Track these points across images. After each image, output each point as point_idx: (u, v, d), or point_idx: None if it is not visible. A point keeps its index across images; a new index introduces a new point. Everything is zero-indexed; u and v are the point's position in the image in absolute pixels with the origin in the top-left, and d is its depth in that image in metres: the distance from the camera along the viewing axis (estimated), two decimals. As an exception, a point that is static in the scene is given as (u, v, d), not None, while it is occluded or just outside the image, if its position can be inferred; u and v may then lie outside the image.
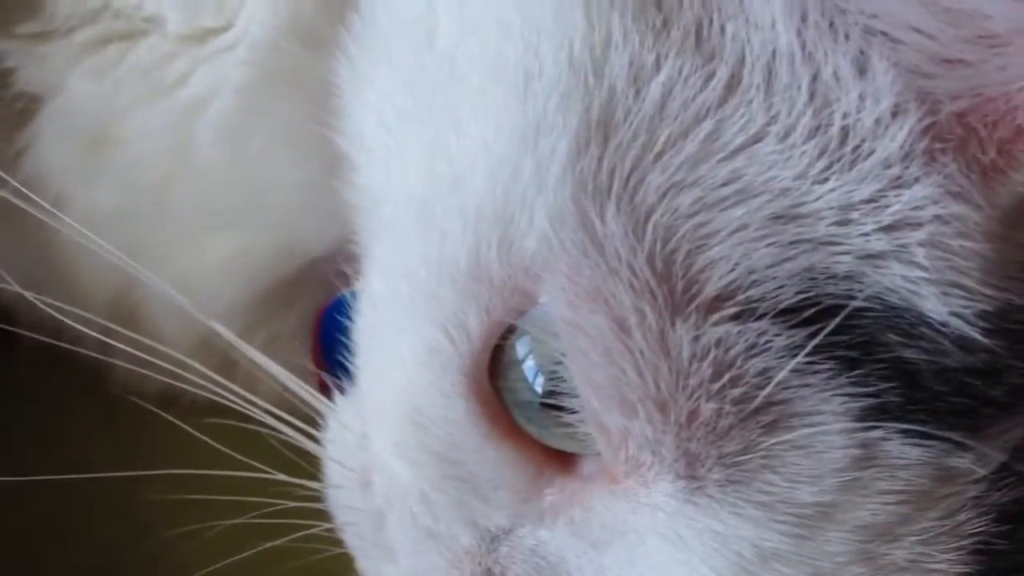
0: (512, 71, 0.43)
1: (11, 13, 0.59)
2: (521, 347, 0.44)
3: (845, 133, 0.41)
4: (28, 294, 0.58)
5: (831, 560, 0.42)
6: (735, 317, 0.41)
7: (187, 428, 0.62)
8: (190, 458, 0.63)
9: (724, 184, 0.41)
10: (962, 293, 0.40)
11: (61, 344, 0.62)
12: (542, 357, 0.43)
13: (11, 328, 0.64)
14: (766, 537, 0.41)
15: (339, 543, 0.54)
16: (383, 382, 0.47)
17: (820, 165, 0.41)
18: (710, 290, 0.41)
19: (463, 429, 0.45)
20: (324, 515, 0.54)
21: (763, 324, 0.41)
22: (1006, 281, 0.41)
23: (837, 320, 0.40)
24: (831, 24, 0.41)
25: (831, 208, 0.41)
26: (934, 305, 0.40)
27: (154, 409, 0.60)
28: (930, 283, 0.40)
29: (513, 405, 0.44)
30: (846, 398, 0.41)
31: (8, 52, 0.59)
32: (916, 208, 0.41)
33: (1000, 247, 0.41)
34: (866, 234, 0.41)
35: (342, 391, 0.52)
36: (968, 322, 0.40)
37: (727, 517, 0.41)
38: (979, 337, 0.40)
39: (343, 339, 0.52)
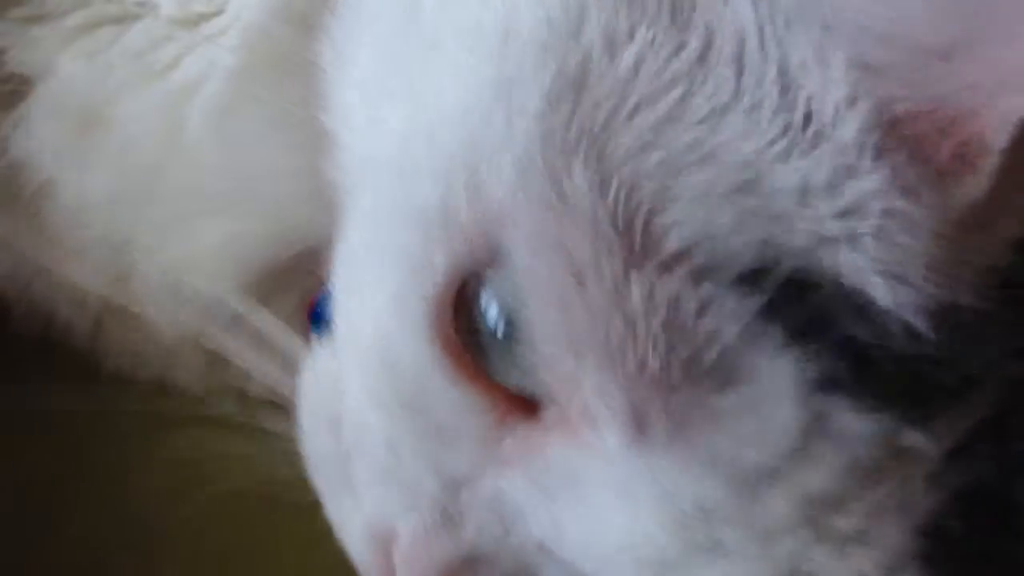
0: (490, 33, 0.44)
1: (2, -4, 0.59)
2: (485, 294, 0.45)
3: (808, 116, 0.42)
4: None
5: (774, 522, 0.42)
6: (690, 277, 0.42)
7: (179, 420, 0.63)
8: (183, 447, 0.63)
9: (689, 149, 0.42)
10: (908, 286, 0.41)
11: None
12: (504, 304, 0.44)
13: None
14: (708, 494, 0.42)
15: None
16: (357, 327, 0.48)
17: (783, 144, 0.41)
18: (668, 249, 0.42)
19: (429, 373, 0.45)
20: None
21: (717, 286, 0.41)
22: (955, 281, 0.41)
23: (777, 283, 0.41)
24: (800, 8, 0.42)
25: (790, 187, 0.41)
26: (881, 293, 0.41)
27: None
28: (878, 272, 0.41)
29: (477, 351, 0.45)
30: (798, 367, 0.41)
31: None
32: (866, 199, 0.41)
33: (950, 247, 0.41)
34: (821, 217, 0.41)
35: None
36: (914, 314, 0.41)
37: (671, 471, 0.42)
38: (925, 330, 0.41)
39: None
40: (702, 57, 0.42)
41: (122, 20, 0.58)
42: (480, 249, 0.44)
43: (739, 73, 0.42)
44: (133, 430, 0.62)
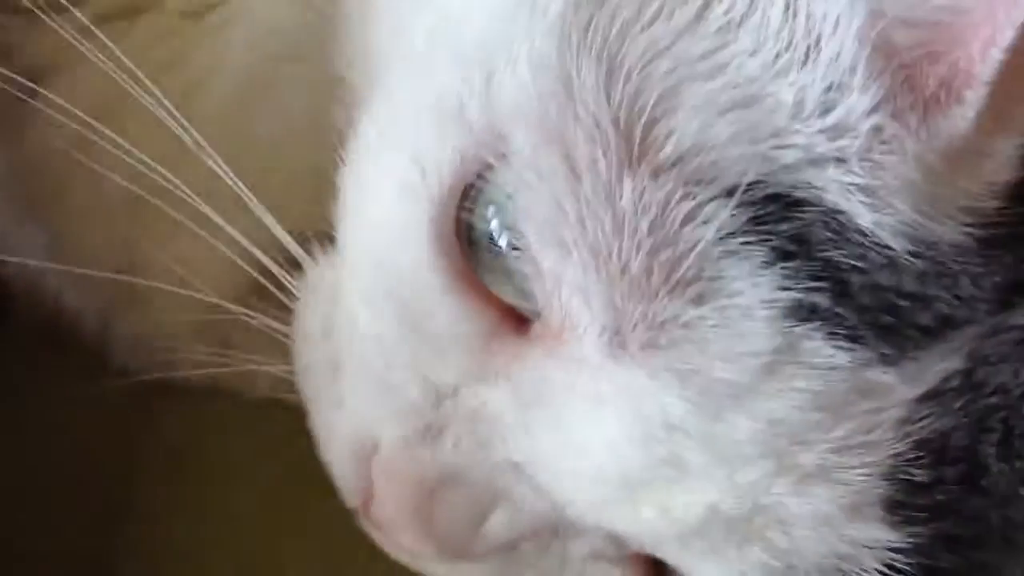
0: None
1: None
2: (488, 197, 0.45)
3: (808, 31, 0.43)
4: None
5: (736, 448, 0.43)
6: (682, 184, 0.43)
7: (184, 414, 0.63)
8: (188, 442, 0.63)
9: (699, 60, 0.43)
10: (890, 208, 0.42)
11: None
12: (502, 205, 0.45)
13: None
14: (674, 405, 0.43)
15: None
16: (360, 224, 0.49)
17: (785, 58, 0.43)
18: (664, 153, 0.43)
19: (426, 276, 0.46)
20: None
21: (706, 196, 0.42)
22: (939, 217, 0.42)
23: (764, 198, 0.42)
24: None
25: (786, 102, 0.42)
26: (863, 212, 0.42)
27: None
28: (861, 191, 0.42)
29: (476, 262, 0.46)
30: (776, 289, 0.42)
31: (8, 28, 0.59)
32: (856, 118, 0.42)
33: (936, 182, 0.42)
34: (812, 133, 0.42)
35: None
36: (893, 236, 0.42)
37: (642, 378, 0.43)
38: (903, 256, 0.42)
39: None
40: None
41: (130, 13, 0.59)
42: (487, 146, 0.45)
43: None
44: (140, 424, 0.62)
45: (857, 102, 0.42)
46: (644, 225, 0.42)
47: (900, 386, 0.43)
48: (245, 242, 0.60)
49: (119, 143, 0.59)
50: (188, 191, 0.58)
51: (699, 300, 0.42)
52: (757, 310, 0.42)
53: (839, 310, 0.42)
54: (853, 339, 0.42)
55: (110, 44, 0.56)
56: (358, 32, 0.53)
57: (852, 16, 0.42)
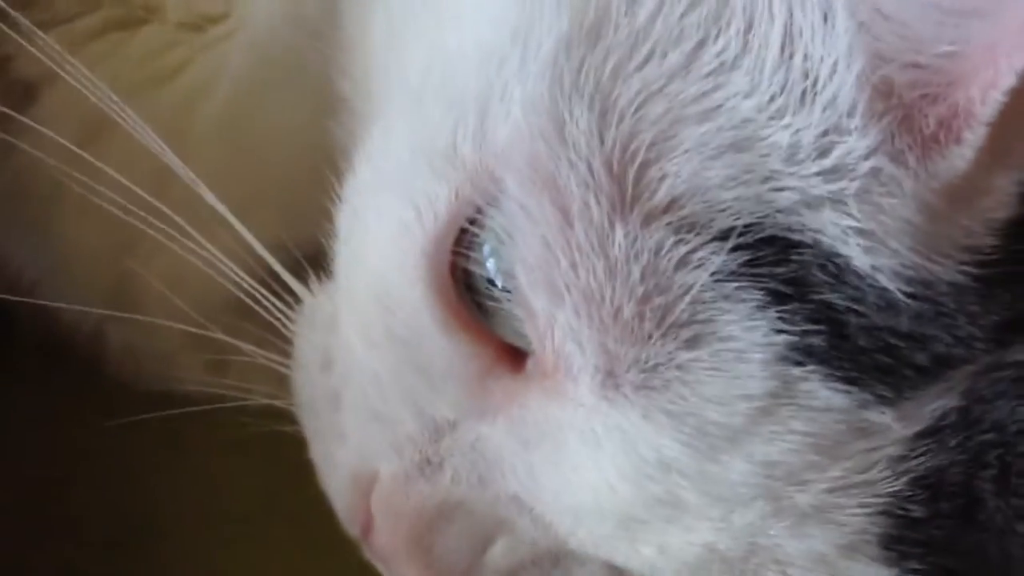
0: None
1: (11, 1, 0.59)
2: (483, 240, 0.45)
3: (805, 73, 0.42)
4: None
5: (732, 489, 0.43)
6: (675, 229, 0.42)
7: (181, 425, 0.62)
8: (184, 454, 0.63)
9: (693, 101, 0.43)
10: (887, 250, 0.42)
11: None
12: (497, 248, 0.45)
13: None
14: (669, 447, 0.43)
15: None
16: (357, 262, 0.49)
17: (780, 101, 0.42)
18: (657, 199, 0.43)
19: (423, 313, 0.46)
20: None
21: (700, 240, 0.42)
22: (936, 256, 0.42)
23: (759, 242, 0.42)
24: None
25: (781, 144, 0.42)
26: (860, 255, 0.42)
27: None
28: (858, 234, 0.42)
29: (472, 301, 0.46)
30: (772, 331, 0.42)
31: (6, 39, 0.59)
32: (853, 159, 0.42)
33: (933, 220, 0.42)
34: (808, 175, 0.42)
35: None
36: (890, 279, 0.42)
37: (636, 418, 0.43)
38: (900, 297, 0.42)
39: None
40: (717, 13, 0.43)
41: (129, 24, 0.59)
42: (480, 188, 0.45)
43: (747, 30, 0.43)
44: (134, 435, 0.62)
45: (855, 144, 0.42)
46: (636, 272, 0.42)
47: (896, 425, 0.43)
48: (229, 264, 0.60)
49: (100, 167, 0.59)
50: (171, 212, 0.58)
51: (693, 343, 0.42)
52: (752, 353, 0.42)
53: (836, 352, 0.42)
54: (850, 381, 0.42)
55: (83, 68, 0.55)
56: (359, 58, 0.53)
57: (851, 60, 0.42)
